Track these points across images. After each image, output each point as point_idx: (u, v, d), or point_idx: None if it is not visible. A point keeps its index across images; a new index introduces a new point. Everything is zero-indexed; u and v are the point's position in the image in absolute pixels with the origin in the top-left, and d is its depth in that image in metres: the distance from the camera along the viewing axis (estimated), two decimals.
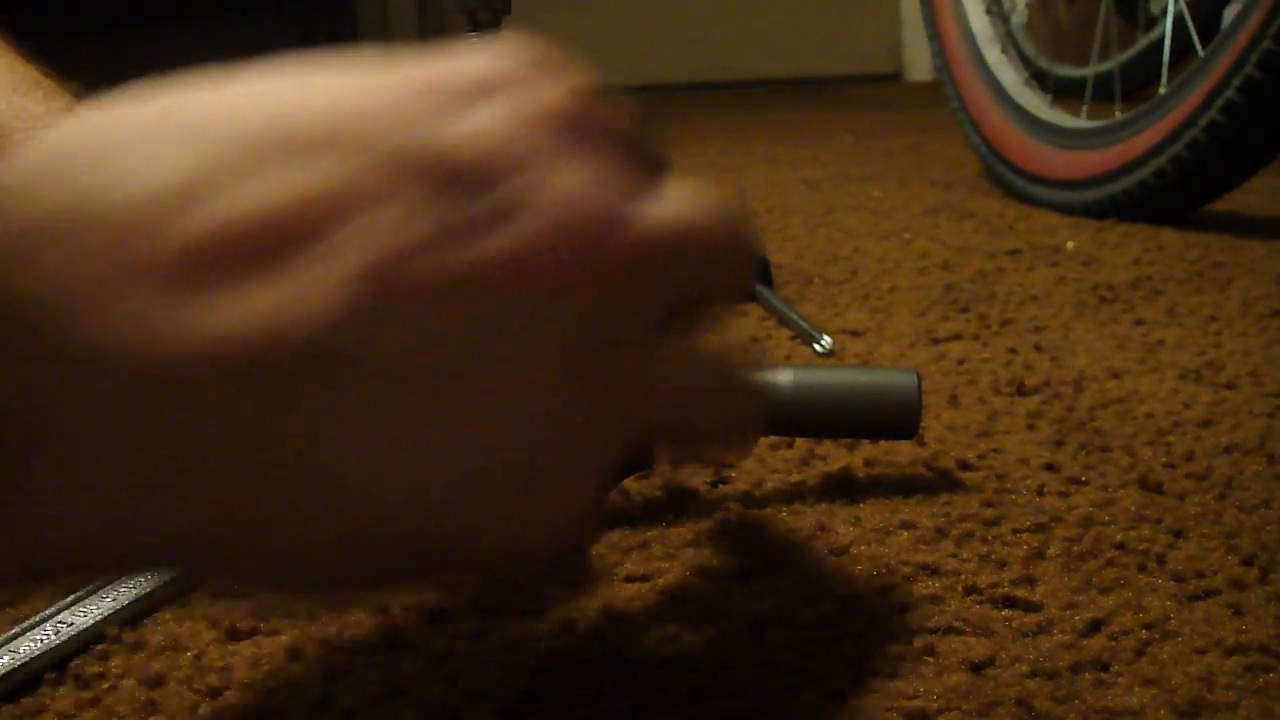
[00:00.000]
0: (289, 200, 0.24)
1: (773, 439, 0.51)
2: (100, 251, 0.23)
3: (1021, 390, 0.59)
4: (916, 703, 0.32)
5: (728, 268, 0.31)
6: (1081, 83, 1.21)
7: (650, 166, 0.30)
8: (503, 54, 0.29)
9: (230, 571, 0.26)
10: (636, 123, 0.31)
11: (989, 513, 0.44)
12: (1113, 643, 0.35)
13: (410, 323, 0.25)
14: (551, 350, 0.26)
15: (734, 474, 0.49)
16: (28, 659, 0.35)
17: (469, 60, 0.28)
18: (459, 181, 0.26)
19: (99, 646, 0.36)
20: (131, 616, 0.38)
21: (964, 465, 0.49)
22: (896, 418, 0.46)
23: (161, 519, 0.24)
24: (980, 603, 0.37)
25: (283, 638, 0.36)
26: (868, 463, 0.49)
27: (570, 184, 0.27)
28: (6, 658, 0.35)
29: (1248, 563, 0.39)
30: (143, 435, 0.23)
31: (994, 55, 1.28)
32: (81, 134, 0.25)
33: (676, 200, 0.29)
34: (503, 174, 0.26)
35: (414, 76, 0.27)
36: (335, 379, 0.24)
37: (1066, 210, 1.06)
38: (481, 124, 0.27)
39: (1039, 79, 1.27)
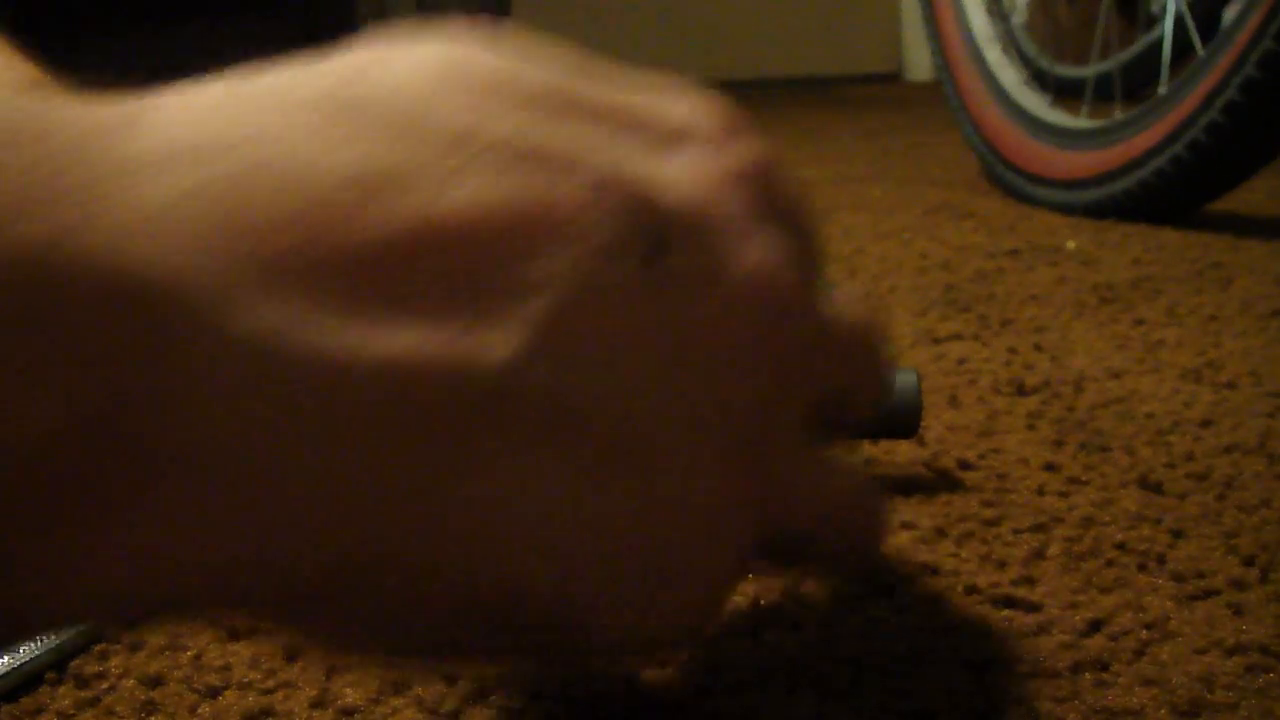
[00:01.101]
0: (495, 207, 0.21)
1: None
2: (263, 238, 0.20)
3: (1021, 390, 0.59)
4: (916, 703, 0.32)
5: (873, 379, 0.29)
6: (1081, 83, 1.21)
7: (816, 251, 0.28)
8: (701, 105, 0.27)
9: (342, 628, 0.23)
10: (805, 202, 0.28)
11: (989, 513, 0.44)
12: (1113, 643, 0.35)
13: (595, 376, 0.22)
14: (721, 428, 0.24)
15: None
16: (28, 659, 0.35)
17: (671, 104, 0.26)
18: (664, 227, 0.23)
19: (99, 646, 0.36)
20: None
21: (964, 465, 0.49)
22: (897, 418, 0.46)
23: (286, 563, 0.20)
24: (980, 603, 0.37)
25: (283, 638, 0.36)
26: (868, 463, 0.49)
27: (767, 256, 0.24)
28: (6, 658, 0.35)
29: (1248, 563, 0.39)
30: (285, 462, 0.20)
31: (994, 55, 1.29)
32: (217, 106, 0.22)
33: (847, 296, 0.28)
34: (706, 230, 0.24)
35: (619, 104, 0.25)
36: (509, 428, 0.21)
37: (1066, 210, 1.06)
38: (689, 174, 0.24)
39: (1039, 79, 1.27)
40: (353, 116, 0.22)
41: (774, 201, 0.26)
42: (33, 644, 0.35)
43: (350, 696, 0.33)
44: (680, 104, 0.27)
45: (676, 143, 0.25)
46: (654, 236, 0.23)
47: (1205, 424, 0.53)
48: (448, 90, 0.23)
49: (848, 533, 0.28)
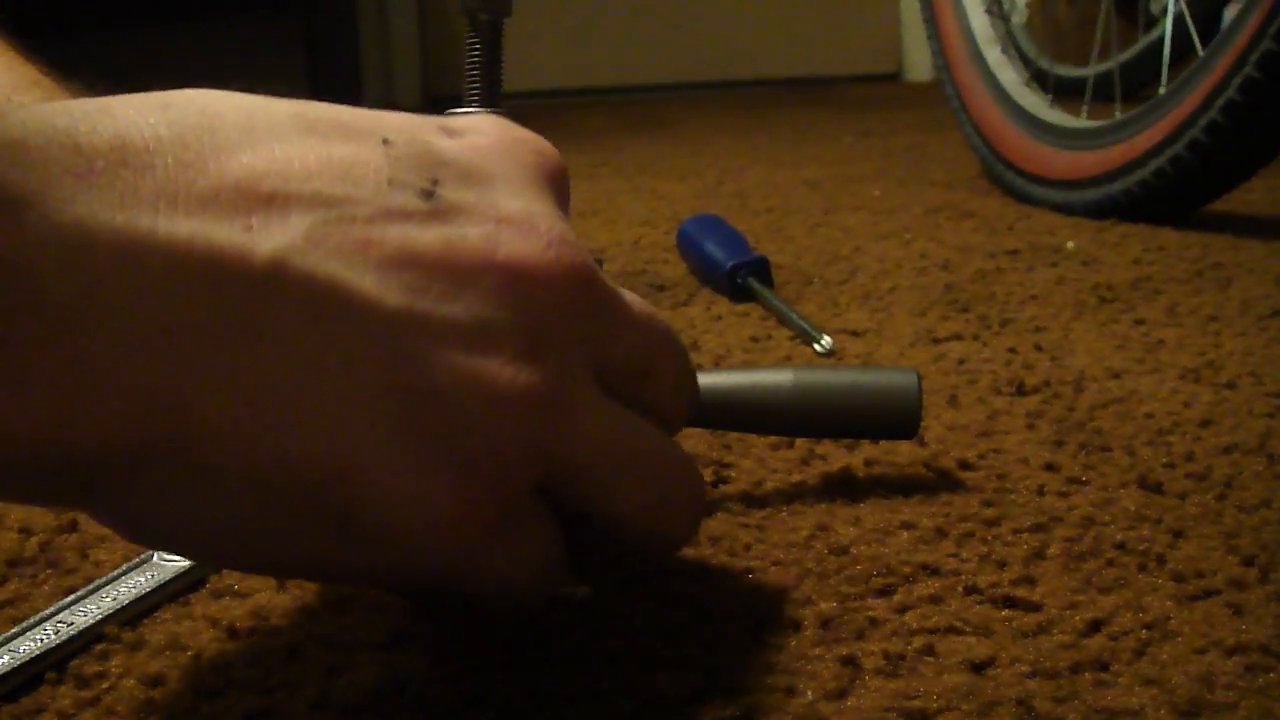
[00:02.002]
0: (314, 160, 0.28)
1: (773, 439, 0.51)
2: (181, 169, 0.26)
3: (1021, 390, 0.59)
4: (916, 703, 0.32)
5: (673, 363, 0.34)
6: (1081, 83, 1.21)
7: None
8: (491, 119, 0.33)
9: (161, 508, 0.27)
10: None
11: (989, 513, 0.44)
12: (1113, 643, 0.35)
13: (372, 276, 0.27)
14: (495, 344, 0.28)
15: (734, 474, 0.49)
16: (28, 659, 0.35)
17: (469, 118, 0.33)
18: (439, 168, 0.29)
19: (99, 646, 0.36)
20: (131, 616, 0.38)
21: (964, 465, 0.49)
22: (897, 418, 0.46)
23: (112, 428, 0.25)
24: (980, 603, 0.37)
25: (283, 638, 0.36)
26: (868, 463, 0.49)
27: (530, 205, 0.30)
28: (6, 658, 0.35)
29: (1248, 563, 0.39)
30: (111, 333, 0.24)
31: (994, 55, 1.28)
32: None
33: (630, 296, 0.33)
34: (477, 176, 0.30)
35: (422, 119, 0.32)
36: (281, 313, 0.26)
37: (1066, 210, 1.06)
38: (464, 142, 0.31)
39: (1039, 79, 1.27)
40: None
41: (552, 180, 0.32)
42: (33, 644, 0.35)
43: (350, 696, 0.33)
44: (475, 118, 0.33)
45: (459, 132, 0.32)
46: (430, 175, 0.29)
47: (1205, 424, 0.53)
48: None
49: (654, 483, 0.32)
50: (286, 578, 0.34)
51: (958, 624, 0.36)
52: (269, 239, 0.26)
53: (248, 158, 0.27)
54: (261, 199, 0.26)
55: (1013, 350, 0.66)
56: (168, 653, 0.36)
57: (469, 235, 0.29)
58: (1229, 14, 1.07)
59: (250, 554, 0.29)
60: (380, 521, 0.27)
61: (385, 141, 0.29)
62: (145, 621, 0.38)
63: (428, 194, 0.29)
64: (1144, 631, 0.35)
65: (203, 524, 0.27)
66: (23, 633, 0.36)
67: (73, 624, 0.37)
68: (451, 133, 0.32)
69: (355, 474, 0.27)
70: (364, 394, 0.27)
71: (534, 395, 0.29)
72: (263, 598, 0.38)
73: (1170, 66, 1.04)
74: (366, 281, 0.27)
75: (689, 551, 0.42)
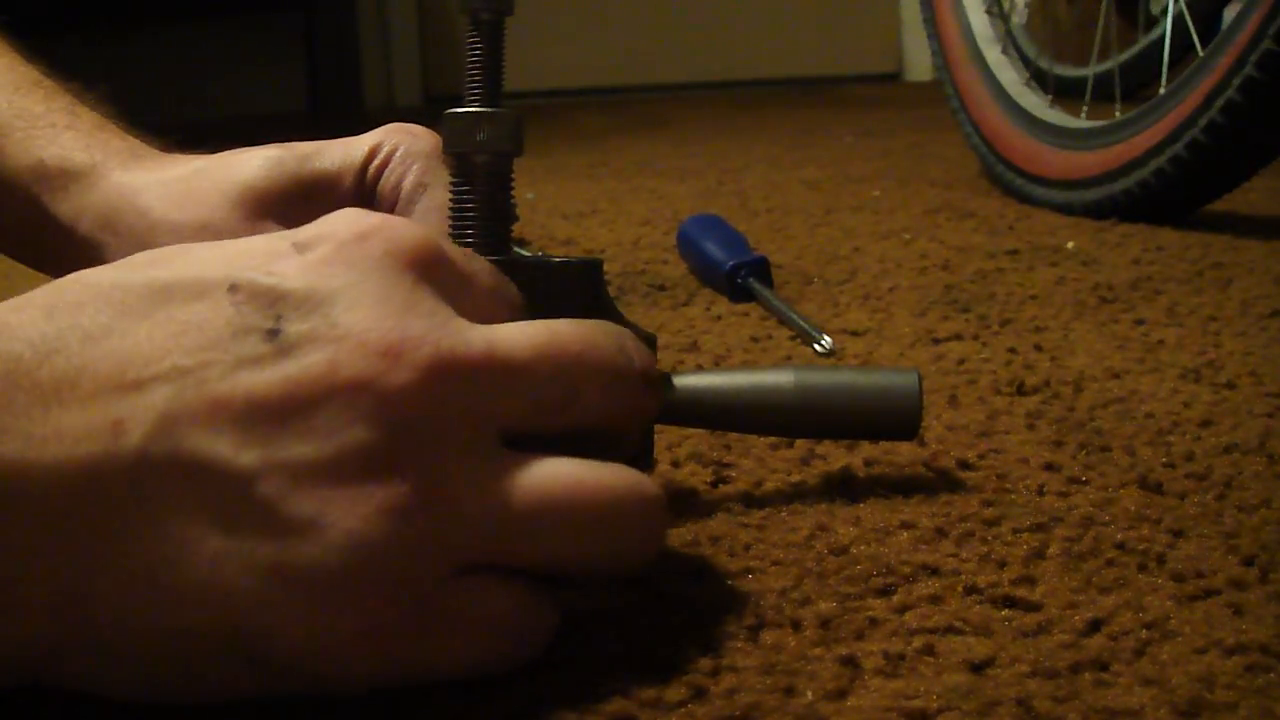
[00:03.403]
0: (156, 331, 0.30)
1: (773, 439, 0.51)
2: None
3: (1021, 390, 0.59)
4: (916, 703, 0.32)
5: (589, 389, 0.33)
6: (1081, 83, 1.21)
7: (493, 292, 0.35)
8: (343, 216, 0.33)
9: (109, 682, 0.30)
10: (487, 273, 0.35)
11: (989, 513, 0.44)
12: (1113, 643, 0.35)
13: (227, 439, 0.29)
14: (351, 469, 0.29)
15: (734, 474, 0.49)
16: None
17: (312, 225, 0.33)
18: (280, 304, 0.31)
19: None
20: None
21: (964, 465, 0.49)
22: (898, 419, 0.46)
23: (32, 637, 0.29)
24: (980, 603, 0.37)
25: None
26: (868, 463, 0.49)
27: (378, 310, 0.31)
28: None
29: (1248, 563, 0.39)
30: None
31: (994, 55, 1.28)
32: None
33: (513, 331, 0.33)
34: (318, 302, 0.31)
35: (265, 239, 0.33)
36: (154, 498, 0.28)
37: (1066, 210, 1.06)
38: (305, 264, 0.31)
39: (1039, 79, 1.27)
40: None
41: (412, 264, 0.32)
42: None
43: (350, 698, 0.33)
44: (327, 221, 0.33)
45: (307, 245, 0.32)
46: (273, 314, 0.30)
47: (1205, 424, 0.53)
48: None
49: (592, 541, 0.32)
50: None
51: (958, 624, 0.36)
52: (135, 429, 0.29)
53: (114, 343, 0.30)
54: (128, 388, 0.29)
55: (1013, 350, 0.66)
56: None
57: (310, 365, 0.30)
58: (1229, 14, 1.07)
59: (187, 695, 0.31)
60: (288, 660, 0.30)
61: (232, 288, 0.31)
62: None
63: (273, 334, 0.30)
64: (1144, 631, 0.35)
65: (129, 685, 0.30)
66: None
67: None
68: (301, 248, 0.32)
69: (250, 626, 0.29)
70: (240, 549, 0.29)
71: (407, 502, 0.30)
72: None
73: (1170, 66, 1.04)
74: (222, 444, 0.29)
75: (689, 551, 0.42)
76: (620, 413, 0.34)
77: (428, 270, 0.32)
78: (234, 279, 0.31)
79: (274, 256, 0.32)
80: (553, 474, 0.32)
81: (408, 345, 0.30)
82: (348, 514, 0.29)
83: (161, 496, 0.29)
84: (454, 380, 0.31)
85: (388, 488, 0.29)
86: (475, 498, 0.31)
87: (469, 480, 0.31)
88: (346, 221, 0.33)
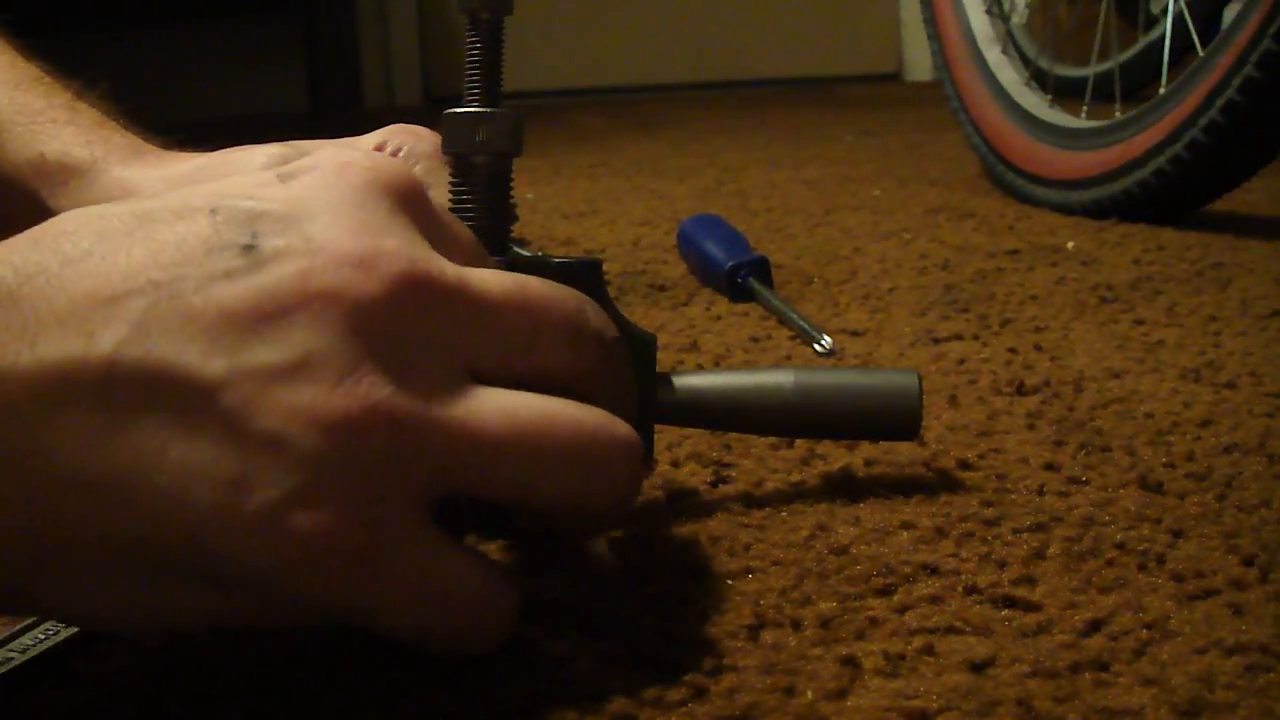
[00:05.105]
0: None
1: (772, 439, 0.51)
2: None
3: (1021, 390, 0.59)
4: (916, 703, 0.32)
5: (553, 335, 0.33)
6: (1081, 83, 1.21)
7: (466, 244, 0.35)
8: (331, 152, 0.34)
9: (78, 598, 0.30)
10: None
11: (989, 513, 0.44)
12: (1113, 643, 0.35)
13: (198, 348, 0.29)
14: (325, 383, 0.29)
15: (734, 474, 0.49)
16: (28, 658, 0.35)
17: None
18: (256, 221, 0.31)
19: (99, 646, 0.36)
20: None
21: (964, 465, 0.49)
22: (898, 420, 0.46)
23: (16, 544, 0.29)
24: (980, 603, 0.37)
25: (283, 639, 0.36)
26: (868, 463, 0.49)
27: (348, 230, 0.31)
28: (6, 657, 0.35)
29: (1248, 563, 0.39)
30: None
31: (994, 55, 1.28)
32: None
33: (484, 273, 0.33)
34: (294, 219, 0.31)
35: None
36: (125, 407, 0.29)
37: (1066, 210, 1.06)
38: (288, 190, 0.32)
39: (1039, 79, 1.27)
40: None
41: (389, 192, 0.33)
42: (33, 643, 0.35)
43: (350, 698, 0.33)
44: (315, 154, 0.34)
45: (292, 175, 0.33)
46: (250, 230, 0.31)
47: (1205, 424, 0.53)
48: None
49: (564, 476, 0.32)
50: (188, 634, 0.35)
51: (958, 624, 0.36)
52: (107, 337, 0.29)
53: (94, 264, 0.30)
54: (103, 302, 0.29)
55: (1013, 350, 0.66)
56: (168, 653, 0.36)
57: (283, 276, 0.30)
58: (1229, 14, 1.07)
59: (153, 621, 0.31)
60: (240, 576, 0.30)
61: (212, 211, 0.31)
62: None
63: (248, 249, 0.30)
64: (1144, 631, 0.35)
65: (101, 611, 0.31)
66: (23, 632, 0.36)
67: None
68: (285, 177, 0.33)
69: (208, 538, 0.29)
70: (202, 459, 0.29)
71: (370, 418, 0.30)
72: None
73: (1170, 66, 1.04)
74: (191, 352, 0.29)
75: (689, 551, 0.42)
76: (580, 367, 0.34)
77: (407, 202, 0.33)
78: (215, 204, 0.32)
79: (258, 185, 0.33)
80: (523, 404, 0.32)
81: (381, 259, 0.31)
82: (308, 428, 0.29)
83: (130, 404, 0.29)
84: (425, 299, 0.31)
85: (350, 400, 0.30)
86: (440, 420, 0.31)
87: (435, 401, 0.31)
88: (331, 153, 0.34)
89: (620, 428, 0.33)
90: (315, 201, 0.32)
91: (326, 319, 0.30)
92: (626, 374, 0.37)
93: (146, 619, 0.31)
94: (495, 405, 0.31)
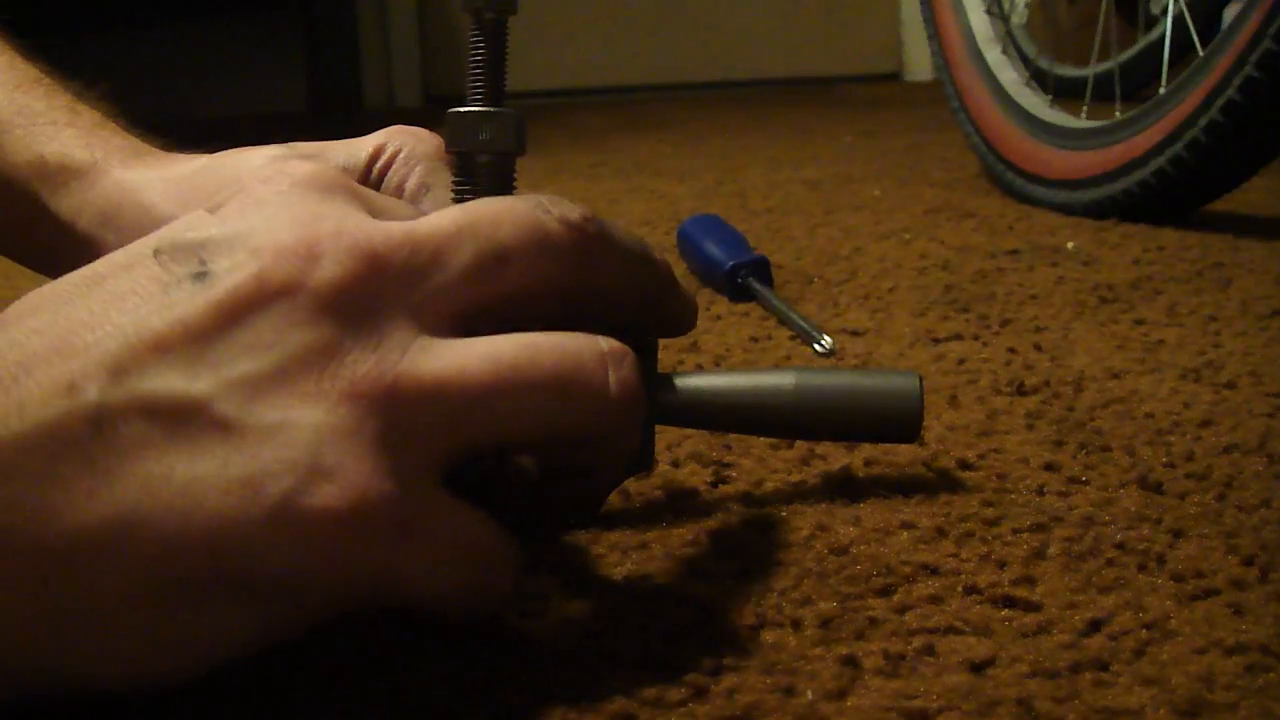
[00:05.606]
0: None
1: (772, 439, 0.51)
2: None
3: (1021, 390, 0.59)
4: (916, 703, 0.32)
5: (521, 250, 0.34)
6: (1081, 83, 1.21)
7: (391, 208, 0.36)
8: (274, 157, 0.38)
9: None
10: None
11: (989, 513, 0.44)
12: (1113, 643, 0.35)
13: (177, 374, 0.30)
14: (295, 367, 0.30)
15: (734, 474, 0.49)
16: None
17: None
18: (204, 248, 0.32)
19: None
20: None
21: (964, 465, 0.49)
22: (899, 422, 0.46)
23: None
24: (980, 603, 0.37)
25: (283, 640, 0.36)
26: (868, 463, 0.49)
27: (286, 231, 0.32)
28: None
29: (1248, 563, 0.39)
30: None
31: (994, 55, 1.28)
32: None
33: (430, 217, 0.34)
34: (237, 242, 0.32)
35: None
36: (122, 438, 0.29)
37: (1066, 210, 1.06)
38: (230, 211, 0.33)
39: (1039, 79, 1.27)
40: None
41: (314, 185, 0.34)
42: None
43: (350, 698, 0.33)
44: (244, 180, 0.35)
45: (216, 208, 0.34)
46: (196, 259, 0.32)
47: (1205, 424, 0.53)
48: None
49: (541, 404, 0.32)
50: (220, 663, 0.34)
51: (958, 624, 0.36)
52: (89, 385, 0.29)
53: (60, 326, 0.31)
54: (76, 354, 0.30)
55: (1013, 350, 0.66)
56: None
57: (238, 284, 0.31)
58: (1229, 14, 1.07)
59: (184, 657, 0.30)
60: (268, 574, 0.30)
61: (156, 253, 0.32)
62: None
63: (200, 275, 0.31)
64: (1144, 631, 0.35)
65: (128, 662, 0.30)
66: None
67: None
68: (214, 208, 0.34)
69: (229, 544, 0.29)
70: (210, 469, 0.29)
71: (364, 389, 0.30)
72: None
73: (1170, 66, 1.04)
74: (172, 377, 0.30)
75: (689, 551, 0.42)
76: (556, 270, 0.35)
77: (332, 188, 0.34)
78: (158, 246, 0.32)
79: (192, 221, 0.33)
80: (503, 344, 0.32)
81: (325, 240, 0.32)
82: (306, 413, 0.30)
83: (127, 441, 0.29)
84: (379, 265, 0.32)
85: (337, 379, 0.30)
86: (426, 378, 0.31)
87: (420, 362, 0.31)
88: (250, 174, 0.35)
89: (605, 341, 0.34)
90: (249, 217, 0.33)
91: (291, 311, 0.31)
92: (619, 239, 0.37)
93: (188, 658, 0.30)
94: (476, 352, 0.32)
